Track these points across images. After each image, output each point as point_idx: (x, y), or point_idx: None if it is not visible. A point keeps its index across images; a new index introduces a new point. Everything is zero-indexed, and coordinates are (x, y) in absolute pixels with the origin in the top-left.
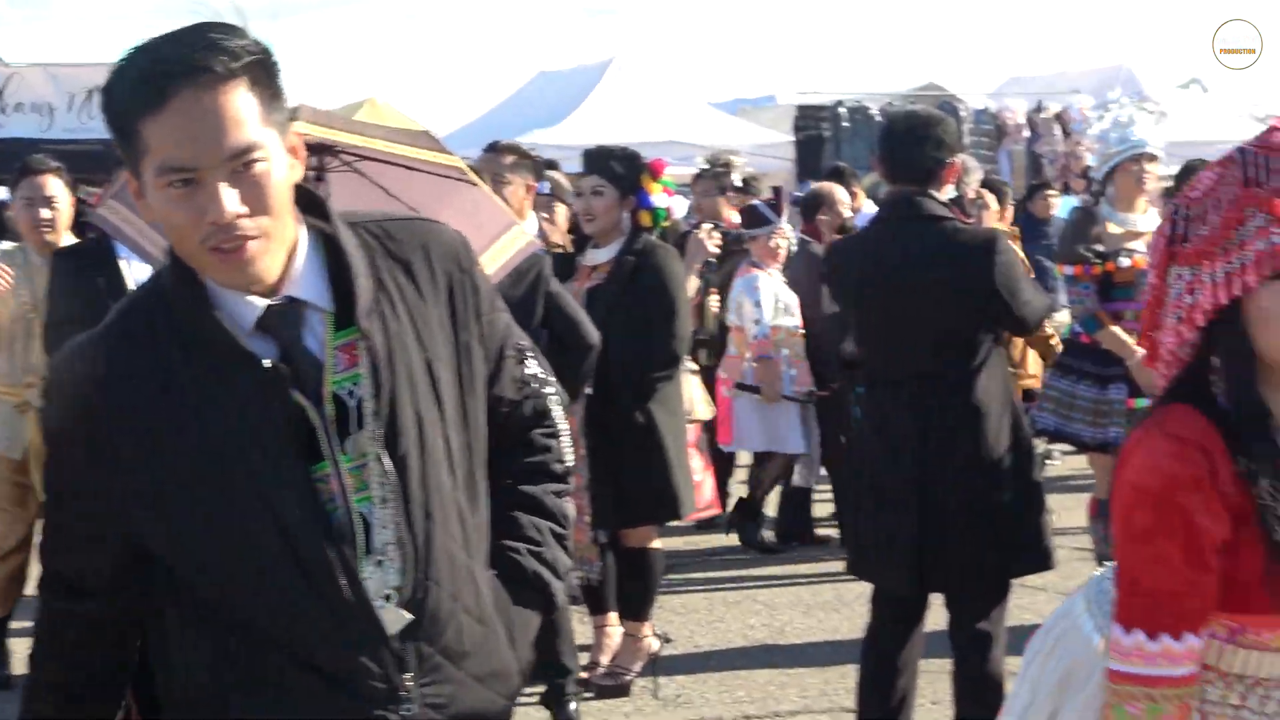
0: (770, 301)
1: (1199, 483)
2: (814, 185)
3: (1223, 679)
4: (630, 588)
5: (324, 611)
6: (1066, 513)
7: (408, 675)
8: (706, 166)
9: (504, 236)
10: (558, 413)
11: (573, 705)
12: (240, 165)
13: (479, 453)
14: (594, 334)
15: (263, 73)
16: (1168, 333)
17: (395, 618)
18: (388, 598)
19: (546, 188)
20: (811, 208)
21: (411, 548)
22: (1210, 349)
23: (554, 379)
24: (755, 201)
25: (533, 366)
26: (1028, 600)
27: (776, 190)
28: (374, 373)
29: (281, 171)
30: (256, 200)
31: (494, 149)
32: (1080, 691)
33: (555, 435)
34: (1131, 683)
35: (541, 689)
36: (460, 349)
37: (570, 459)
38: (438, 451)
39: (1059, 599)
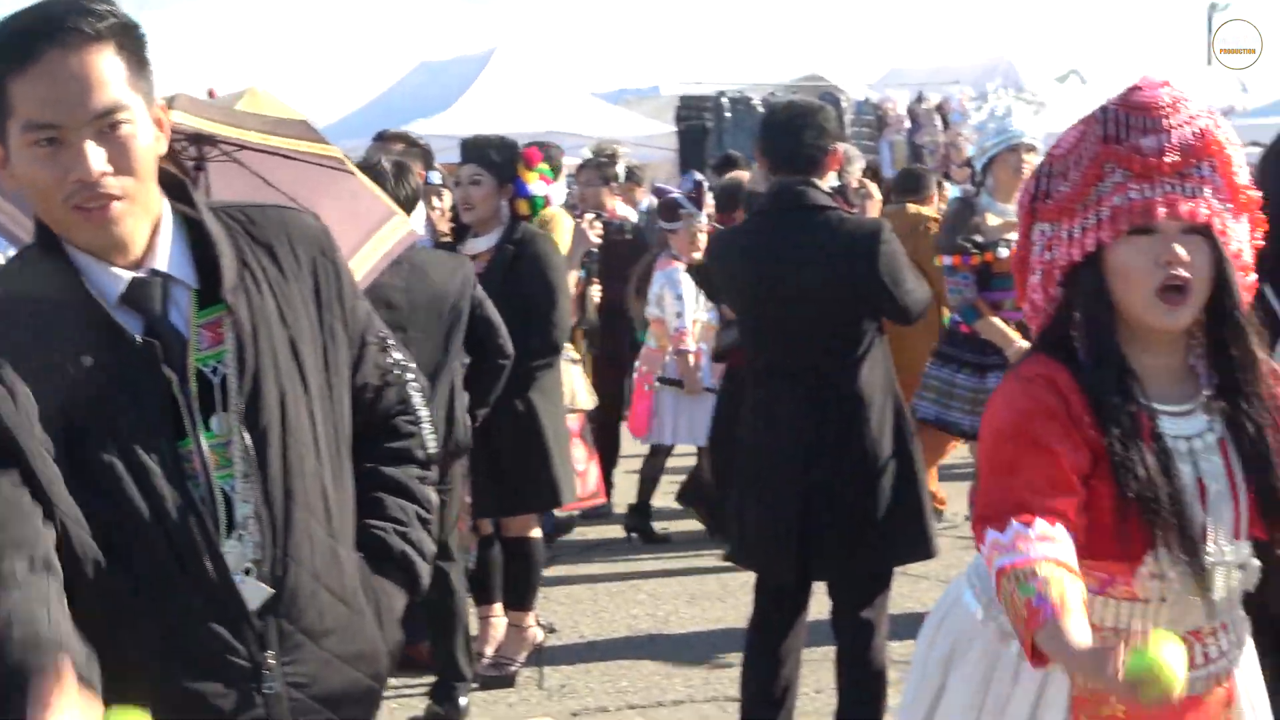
0: (691, 294)
1: (1053, 413)
2: (731, 175)
3: (1097, 633)
4: (512, 577)
5: (189, 586)
6: (948, 501)
7: (269, 653)
8: (591, 156)
9: (384, 227)
10: (419, 401)
11: (463, 700)
12: (106, 125)
13: (344, 433)
14: (510, 345)
15: (130, 39)
16: (1034, 289)
17: (255, 592)
18: (247, 572)
19: (436, 178)
20: (728, 199)
21: (270, 523)
22: (1072, 304)
23: (415, 368)
24: (675, 194)
25: (395, 355)
26: (910, 588)
27: (698, 183)
28: (239, 349)
29: (147, 138)
30: (121, 160)
31: (383, 138)
32: (964, 662)
33: (418, 423)
34: (1022, 565)
35: (432, 680)
36: (324, 330)
37: (433, 447)
38: (302, 429)
39: (941, 587)
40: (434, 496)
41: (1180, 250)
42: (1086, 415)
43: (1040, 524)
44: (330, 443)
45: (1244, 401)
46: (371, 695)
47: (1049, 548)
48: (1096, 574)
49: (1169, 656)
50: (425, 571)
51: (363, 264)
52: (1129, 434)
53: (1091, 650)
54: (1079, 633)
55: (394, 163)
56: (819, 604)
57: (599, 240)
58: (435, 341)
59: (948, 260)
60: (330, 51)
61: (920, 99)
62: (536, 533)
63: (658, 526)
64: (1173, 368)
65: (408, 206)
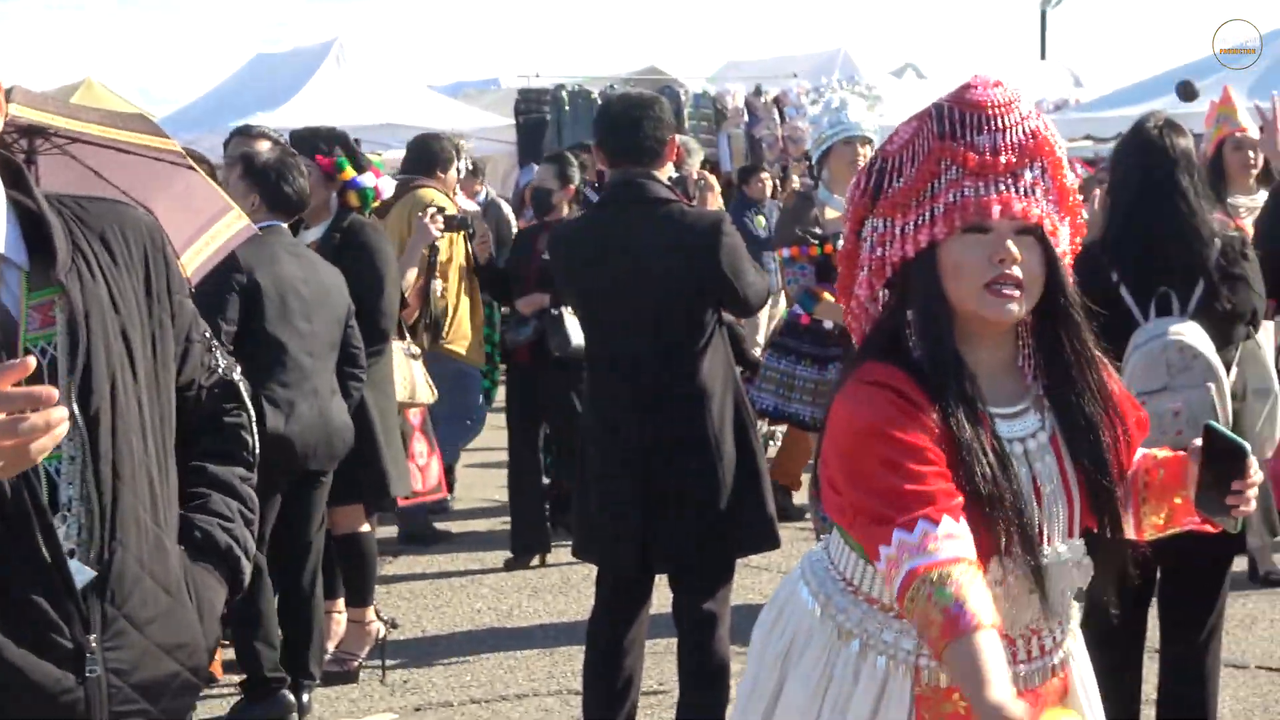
0: None
1: (909, 415)
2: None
3: None
4: (346, 573)
5: (19, 561)
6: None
7: (93, 636)
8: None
9: (220, 221)
10: (245, 401)
11: (305, 696)
12: None
13: (170, 425)
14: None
15: None
16: (860, 285)
17: (79, 573)
18: (71, 553)
19: None
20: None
21: (98, 506)
22: (905, 303)
23: (239, 370)
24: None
25: (220, 357)
26: (751, 580)
27: (600, 174)
28: (70, 331)
29: None
30: None
31: (244, 133)
32: (802, 658)
33: (243, 424)
34: (937, 567)
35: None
36: (154, 321)
37: (257, 449)
38: (131, 415)
39: (782, 579)
40: (256, 498)
41: (1013, 248)
42: (934, 421)
43: (947, 521)
44: (157, 432)
45: (1077, 397)
46: (189, 689)
47: (958, 546)
48: None
49: None
50: (247, 568)
51: (195, 258)
52: (972, 436)
53: (999, 703)
54: (995, 669)
55: (278, 159)
56: (661, 596)
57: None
58: (333, 331)
59: (786, 252)
60: (165, 44)
61: (758, 92)
62: (366, 528)
63: (492, 523)
64: (1003, 366)
65: (296, 202)
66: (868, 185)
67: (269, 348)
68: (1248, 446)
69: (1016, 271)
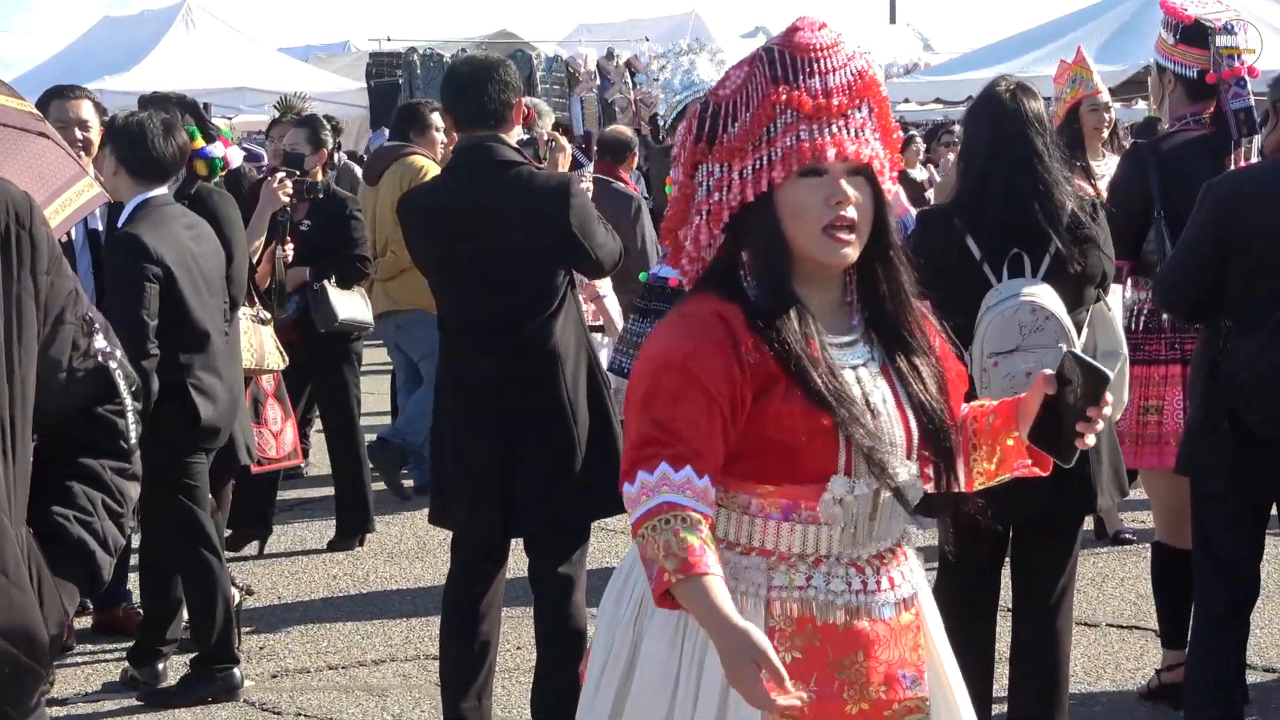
0: None
1: (718, 349)
2: (613, 129)
3: (785, 561)
4: None
5: None
6: None
7: None
8: (279, 113)
9: (72, 188)
10: (123, 389)
11: (160, 665)
12: None
13: (24, 405)
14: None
15: None
16: (697, 231)
17: None
18: None
19: None
20: (619, 149)
21: None
22: (739, 245)
23: (121, 355)
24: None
25: (100, 341)
26: (608, 544)
27: (587, 134)
28: None
29: None
30: None
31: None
32: (655, 612)
33: (121, 413)
34: (664, 511)
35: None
36: (10, 301)
37: (134, 439)
38: None
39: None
40: (131, 489)
41: (849, 189)
42: (758, 347)
43: (688, 473)
44: (4, 411)
45: (898, 332)
46: (25, 674)
47: (699, 500)
48: (780, 500)
49: None
50: (106, 563)
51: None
52: (807, 360)
53: (744, 628)
54: (729, 605)
55: (161, 120)
56: (518, 560)
57: (287, 199)
58: (222, 300)
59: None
60: (8, 5)
61: (610, 55)
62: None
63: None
64: (834, 302)
65: (174, 163)
66: (701, 131)
67: (193, 334)
68: (1108, 372)
69: (852, 213)
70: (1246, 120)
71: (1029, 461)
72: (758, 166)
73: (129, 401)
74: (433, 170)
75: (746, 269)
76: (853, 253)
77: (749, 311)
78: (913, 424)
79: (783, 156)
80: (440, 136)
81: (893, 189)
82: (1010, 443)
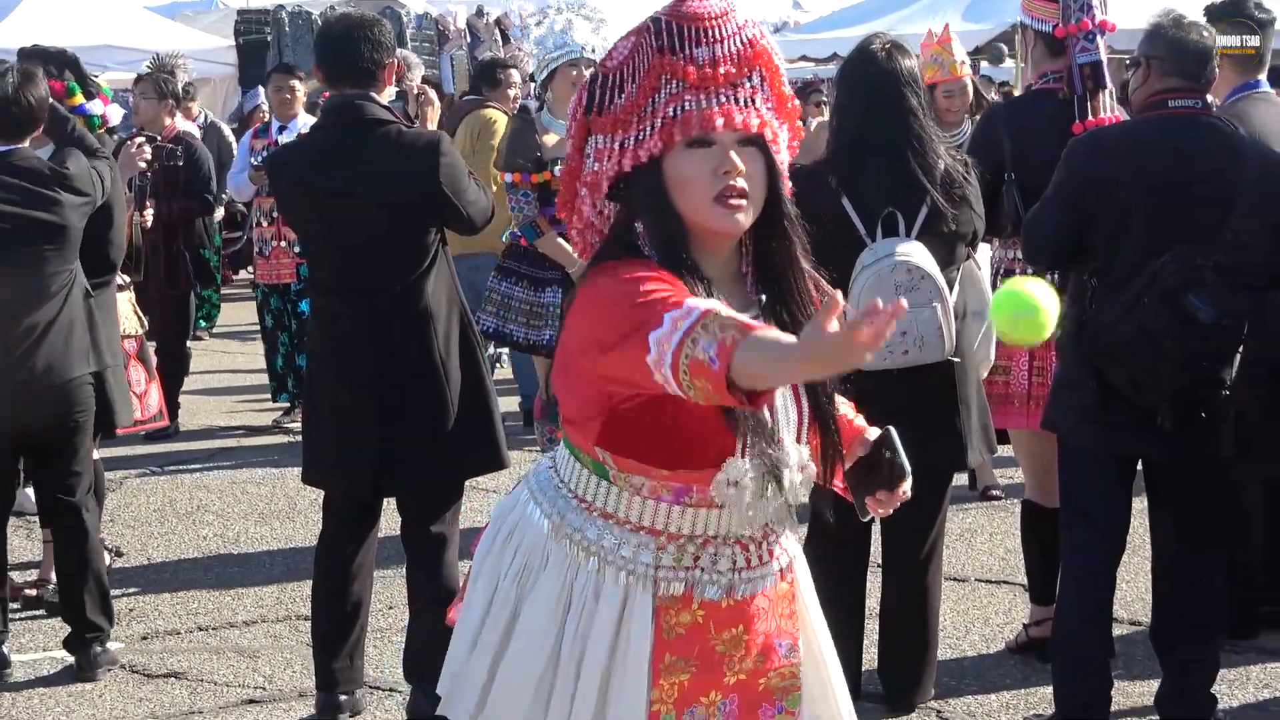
0: None
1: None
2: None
3: (674, 542)
4: None
5: None
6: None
7: None
8: (148, 71)
9: None
10: None
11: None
12: None
13: None
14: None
15: None
16: (584, 203)
17: None
18: None
19: None
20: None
21: None
22: (634, 215)
23: None
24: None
25: None
26: (480, 503)
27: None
28: None
29: None
30: None
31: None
32: (539, 582)
33: None
34: (695, 324)
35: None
36: None
37: None
38: None
39: (501, 499)
40: None
41: (737, 159)
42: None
43: (714, 301)
44: None
45: (793, 305)
46: None
47: (705, 303)
48: (672, 484)
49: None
50: None
51: None
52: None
53: (833, 331)
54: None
55: (20, 71)
56: (390, 520)
57: (144, 165)
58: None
59: (509, 177)
60: None
61: (480, 13)
62: (96, 456)
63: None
64: (729, 277)
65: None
66: (589, 103)
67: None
68: (909, 472)
69: (741, 183)
70: (1093, 75)
71: (842, 485)
72: (642, 137)
73: None
74: (503, 122)
75: (643, 239)
76: (745, 219)
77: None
78: (804, 404)
79: (666, 126)
80: (514, 92)
81: (787, 159)
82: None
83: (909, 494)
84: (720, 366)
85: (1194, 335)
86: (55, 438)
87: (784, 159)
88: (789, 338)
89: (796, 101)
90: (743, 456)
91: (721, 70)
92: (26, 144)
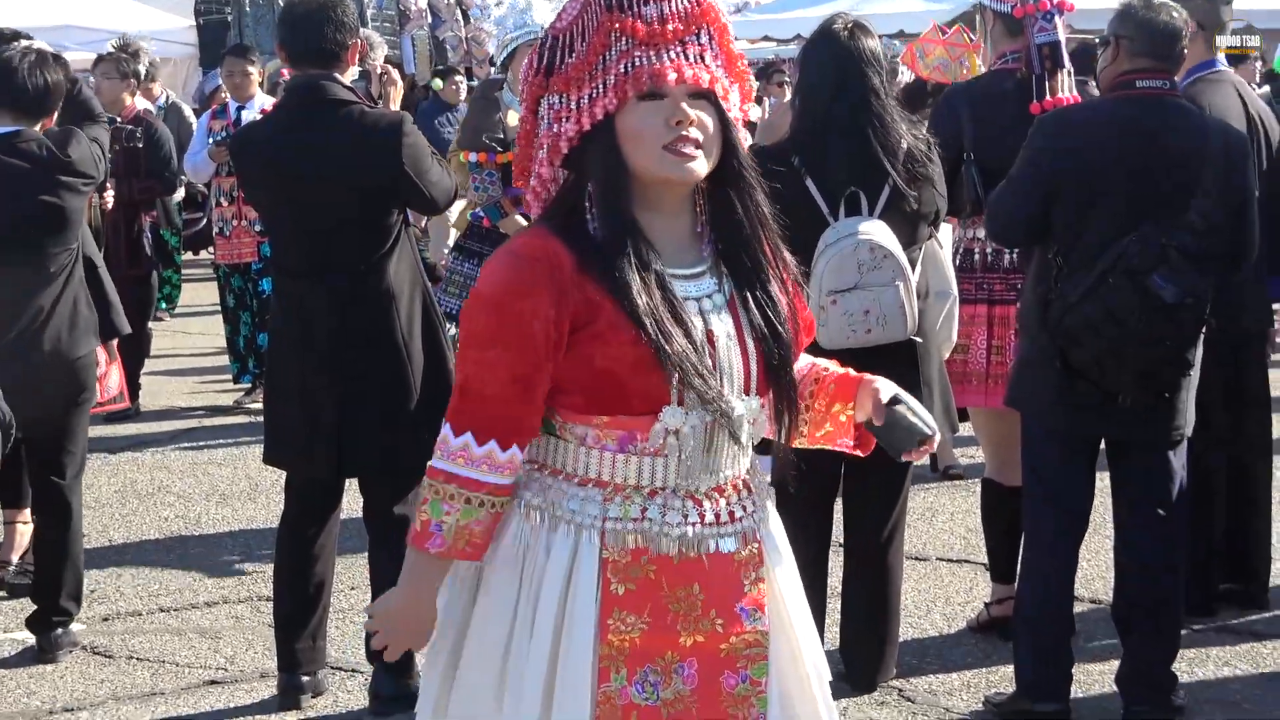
0: None
1: (535, 287)
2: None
3: (620, 493)
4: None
5: None
6: None
7: None
8: (110, 51)
9: None
10: None
11: None
12: None
13: None
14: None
15: None
16: (540, 164)
17: None
18: None
19: None
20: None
21: None
22: (584, 177)
23: None
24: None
25: None
26: None
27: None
28: None
29: None
30: None
31: None
32: (498, 544)
33: None
34: (453, 482)
35: None
36: None
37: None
38: None
39: None
40: None
41: (690, 110)
42: (582, 275)
43: (493, 448)
44: None
45: (751, 258)
46: None
47: (496, 477)
48: (615, 431)
49: None
50: None
51: None
52: (640, 289)
53: (416, 610)
54: (430, 586)
55: (36, 52)
56: (353, 500)
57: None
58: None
59: (473, 157)
60: None
61: None
62: None
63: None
64: (682, 234)
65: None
66: (540, 64)
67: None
68: (931, 431)
69: (694, 132)
70: (1051, 55)
71: (851, 442)
72: (595, 94)
73: None
74: None
75: (591, 200)
76: (698, 167)
77: (577, 241)
78: (752, 356)
79: (618, 83)
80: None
81: (739, 115)
82: (843, 418)
83: (936, 444)
84: (417, 533)
85: (1158, 315)
86: (56, 417)
87: (736, 116)
88: (422, 579)
89: (746, 62)
90: (680, 404)
91: (670, 27)
92: (37, 128)
